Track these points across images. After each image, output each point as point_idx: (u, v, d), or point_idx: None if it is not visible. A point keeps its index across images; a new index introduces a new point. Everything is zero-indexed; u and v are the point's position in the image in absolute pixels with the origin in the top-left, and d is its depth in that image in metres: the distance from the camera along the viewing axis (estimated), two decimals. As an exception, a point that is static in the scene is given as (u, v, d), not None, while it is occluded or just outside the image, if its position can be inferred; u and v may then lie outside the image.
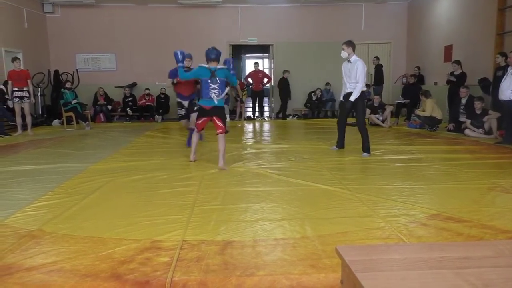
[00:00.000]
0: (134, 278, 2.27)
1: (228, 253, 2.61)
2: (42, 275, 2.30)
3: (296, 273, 2.32)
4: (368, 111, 10.08)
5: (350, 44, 5.98)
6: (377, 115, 9.82)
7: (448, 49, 10.28)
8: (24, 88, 8.79)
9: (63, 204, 3.68)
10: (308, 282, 2.24)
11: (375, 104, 9.99)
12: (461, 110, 8.34)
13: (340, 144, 6.40)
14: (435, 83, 10.82)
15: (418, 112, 9.07)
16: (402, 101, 10.21)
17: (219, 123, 5.24)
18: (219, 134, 5.24)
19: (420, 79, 10.99)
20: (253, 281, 2.25)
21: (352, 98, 5.92)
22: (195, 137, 5.61)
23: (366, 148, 5.99)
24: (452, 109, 8.77)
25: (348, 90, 6.05)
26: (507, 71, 6.81)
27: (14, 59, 8.78)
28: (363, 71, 5.87)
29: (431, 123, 8.70)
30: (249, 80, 12.10)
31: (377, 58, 11.73)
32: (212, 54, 5.22)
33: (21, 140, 8.21)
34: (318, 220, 3.23)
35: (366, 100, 11.34)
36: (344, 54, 5.99)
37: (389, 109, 9.89)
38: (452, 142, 7.27)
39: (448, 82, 9.09)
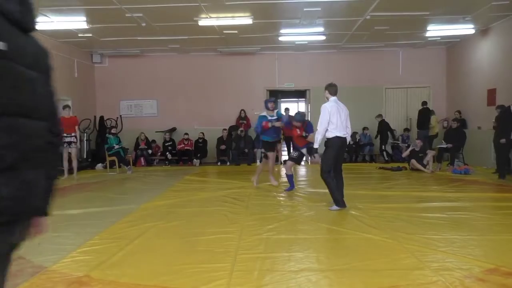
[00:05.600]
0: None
1: (274, 306, 2.53)
2: (91, 323, 2.30)
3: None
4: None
5: (327, 87, 5.58)
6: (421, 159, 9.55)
7: (492, 93, 10.03)
8: (72, 134, 9.22)
9: (109, 250, 3.72)
10: None
11: (417, 149, 9.75)
12: None
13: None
14: (479, 127, 10.50)
15: None
16: (445, 146, 9.91)
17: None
18: None
19: (462, 123, 10.70)
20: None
21: (314, 145, 5.54)
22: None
23: (334, 200, 5.42)
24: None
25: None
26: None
27: (65, 107, 9.29)
28: (323, 116, 5.37)
29: None
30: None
31: (425, 102, 11.74)
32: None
33: (68, 183, 8.50)
34: (365, 272, 3.10)
35: (406, 145, 11.23)
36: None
37: (430, 153, 9.61)
38: (501, 189, 6.92)
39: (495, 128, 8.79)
